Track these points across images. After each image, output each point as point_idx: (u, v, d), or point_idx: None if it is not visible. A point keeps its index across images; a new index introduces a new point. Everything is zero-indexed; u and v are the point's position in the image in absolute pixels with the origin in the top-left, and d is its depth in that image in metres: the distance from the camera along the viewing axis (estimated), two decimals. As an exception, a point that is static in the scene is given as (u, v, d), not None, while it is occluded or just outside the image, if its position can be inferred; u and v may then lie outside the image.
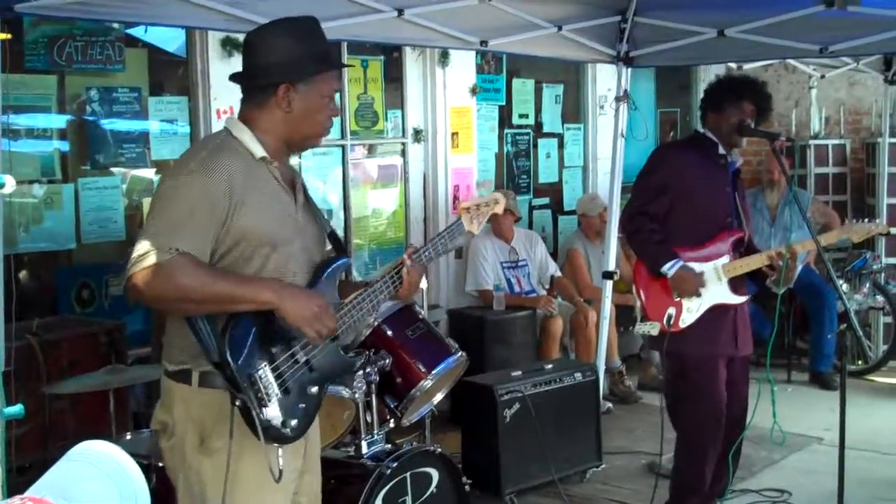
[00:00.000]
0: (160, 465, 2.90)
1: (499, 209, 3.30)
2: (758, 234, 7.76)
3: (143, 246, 2.60)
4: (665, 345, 4.52)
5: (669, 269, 4.50)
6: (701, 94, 4.86)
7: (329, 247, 3.04)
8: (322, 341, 2.75)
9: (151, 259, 2.57)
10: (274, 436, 2.69)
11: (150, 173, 5.85)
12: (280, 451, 2.72)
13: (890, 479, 5.61)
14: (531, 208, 8.38)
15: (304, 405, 2.78)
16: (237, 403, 2.64)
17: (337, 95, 2.96)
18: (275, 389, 2.69)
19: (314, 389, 2.82)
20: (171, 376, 2.80)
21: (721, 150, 4.62)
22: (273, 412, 2.68)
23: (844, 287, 7.71)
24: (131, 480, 1.74)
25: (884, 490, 5.44)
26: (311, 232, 2.94)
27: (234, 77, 2.92)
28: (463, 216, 3.19)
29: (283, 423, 2.71)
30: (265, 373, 2.68)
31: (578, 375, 5.65)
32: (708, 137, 4.64)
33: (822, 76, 8.64)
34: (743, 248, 4.66)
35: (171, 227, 2.61)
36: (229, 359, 2.62)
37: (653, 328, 4.54)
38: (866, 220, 4.79)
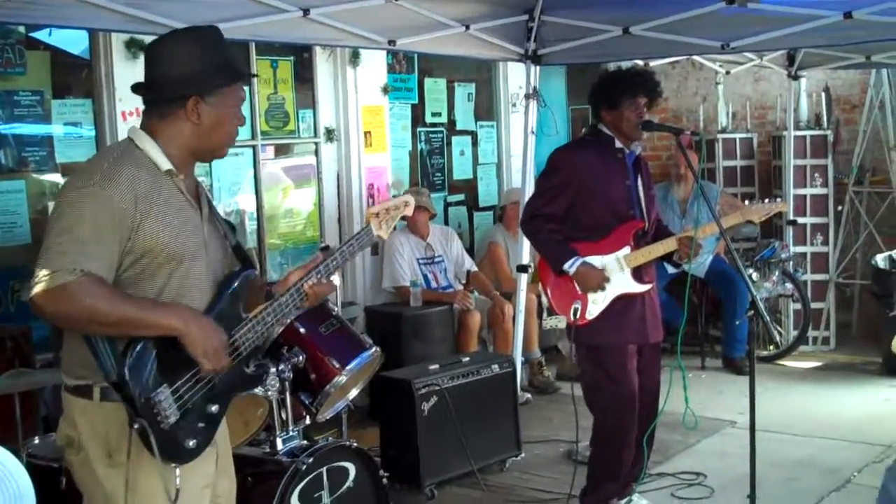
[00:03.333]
0: (77, 481, 2.85)
1: (408, 211, 3.29)
2: (669, 228, 7.91)
3: (47, 263, 2.53)
4: (574, 336, 4.60)
5: (570, 266, 4.58)
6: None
7: (233, 259, 3.00)
8: (210, 375, 2.73)
9: (55, 280, 2.50)
10: (171, 457, 2.66)
11: (55, 177, 5.75)
12: (178, 471, 2.69)
13: (801, 460, 5.75)
14: (446, 205, 8.43)
15: (203, 424, 2.76)
16: (135, 426, 2.60)
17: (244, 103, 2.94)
18: (174, 411, 2.66)
19: (214, 408, 2.79)
20: (71, 392, 2.74)
21: (618, 145, 4.69)
22: (171, 434, 2.65)
23: (754, 276, 7.89)
24: (13, 477, 1.71)
25: (795, 470, 5.58)
26: (215, 245, 2.90)
27: (138, 88, 2.85)
28: (372, 221, 3.17)
29: (182, 444, 2.69)
30: (165, 395, 2.64)
31: (496, 367, 5.69)
32: (604, 133, 4.71)
33: (728, 72, 8.83)
34: (648, 238, 4.74)
35: (76, 245, 2.54)
36: (128, 381, 2.57)
37: (559, 321, 4.62)
38: (766, 200, 4.91)
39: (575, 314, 4.59)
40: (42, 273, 2.53)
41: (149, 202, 2.65)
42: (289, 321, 4.39)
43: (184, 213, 2.76)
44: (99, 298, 2.53)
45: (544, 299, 4.74)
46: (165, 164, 2.73)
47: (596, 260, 4.60)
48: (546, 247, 4.70)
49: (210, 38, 2.84)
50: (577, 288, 4.60)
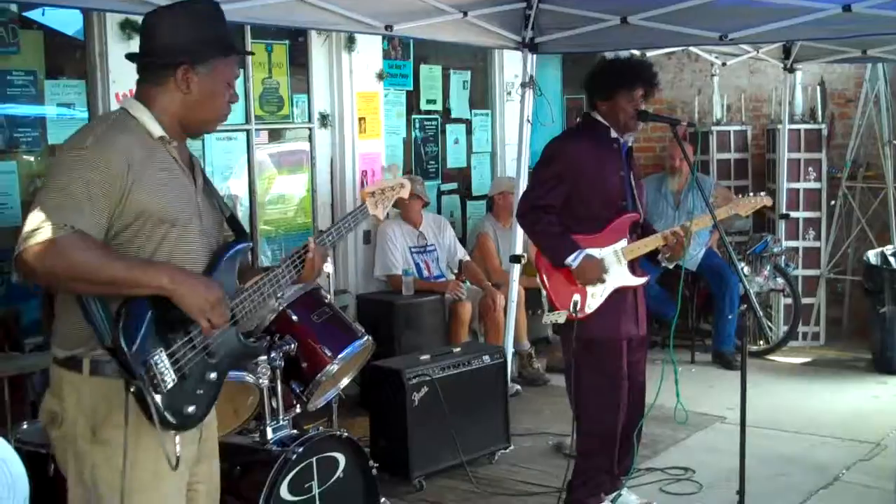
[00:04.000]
0: (55, 456, 2.82)
1: (404, 193, 3.29)
2: (663, 219, 7.91)
3: (36, 219, 2.52)
4: (576, 331, 4.52)
5: (573, 260, 4.51)
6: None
7: (229, 231, 2.99)
8: (212, 333, 2.70)
9: (45, 234, 2.49)
10: (170, 423, 2.63)
11: (47, 158, 5.70)
12: (178, 438, 2.67)
13: (790, 456, 5.76)
14: (440, 193, 8.40)
15: (202, 391, 2.73)
16: (132, 389, 2.57)
17: (238, 82, 2.92)
18: (171, 375, 2.63)
19: (213, 375, 2.77)
20: (60, 364, 2.72)
21: (613, 134, 4.67)
22: (169, 398, 2.62)
23: (746, 270, 7.89)
24: (6, 464, 1.70)
25: (784, 466, 5.58)
26: (210, 215, 2.89)
27: (131, 56, 2.85)
28: (367, 200, 3.17)
29: (181, 410, 2.66)
30: (161, 358, 2.62)
31: (486, 358, 5.68)
32: (599, 122, 4.67)
33: (724, 64, 8.79)
34: (639, 230, 4.73)
35: (67, 202, 2.53)
36: (123, 344, 2.55)
37: (559, 317, 4.57)
38: (751, 194, 4.90)
39: (575, 307, 4.54)
40: (31, 228, 2.51)
41: (141, 167, 2.64)
42: (282, 305, 4.37)
43: (176, 179, 2.76)
44: (88, 254, 2.52)
45: (543, 293, 4.67)
46: (158, 131, 2.73)
47: (595, 252, 4.57)
48: (546, 239, 4.63)
49: (207, 12, 2.84)
50: (577, 281, 4.57)
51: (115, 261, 2.57)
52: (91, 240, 2.55)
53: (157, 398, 2.59)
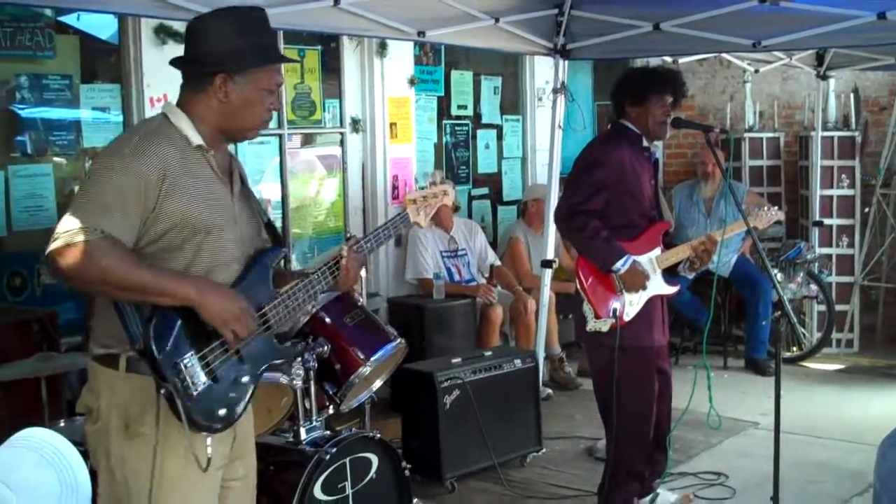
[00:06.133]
0: (88, 451, 2.85)
1: (447, 201, 3.28)
2: (694, 226, 7.89)
3: (68, 222, 2.55)
4: (616, 339, 4.49)
5: (623, 265, 4.49)
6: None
7: (265, 236, 3.01)
8: (236, 344, 2.70)
9: (76, 237, 2.51)
10: (200, 425, 2.64)
11: (81, 162, 5.77)
12: (209, 439, 2.68)
13: (823, 462, 5.71)
14: (470, 198, 8.41)
15: (234, 394, 2.74)
16: (162, 392, 2.59)
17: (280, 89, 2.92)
18: (201, 378, 2.64)
19: (245, 379, 2.77)
20: (97, 360, 2.74)
21: (644, 143, 4.66)
22: (200, 401, 2.63)
23: (779, 276, 7.83)
24: (72, 468, 1.71)
25: (817, 472, 5.54)
26: (246, 221, 2.90)
27: (175, 62, 2.87)
28: (409, 207, 3.15)
29: (211, 413, 2.67)
30: (191, 361, 2.63)
31: (518, 362, 5.68)
32: (631, 129, 4.66)
33: (756, 71, 8.76)
34: (667, 240, 4.74)
35: (99, 207, 2.56)
36: (153, 347, 2.56)
37: (604, 325, 4.55)
38: (765, 208, 4.92)
39: (614, 315, 4.52)
40: (61, 230, 2.54)
41: (177, 176, 2.66)
42: (316, 307, 4.39)
43: (212, 188, 2.77)
44: (116, 260, 2.54)
45: (585, 303, 4.62)
46: (196, 140, 2.75)
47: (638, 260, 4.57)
48: (593, 245, 4.56)
49: (249, 19, 2.83)
50: (621, 288, 4.53)
51: (142, 268, 2.59)
52: (120, 245, 2.57)
53: (187, 401, 2.60)
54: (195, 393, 2.62)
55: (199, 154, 2.75)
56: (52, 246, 2.54)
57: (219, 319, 2.64)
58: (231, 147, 3.02)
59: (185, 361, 2.62)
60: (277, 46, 2.94)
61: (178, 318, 2.63)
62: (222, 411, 2.69)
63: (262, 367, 2.85)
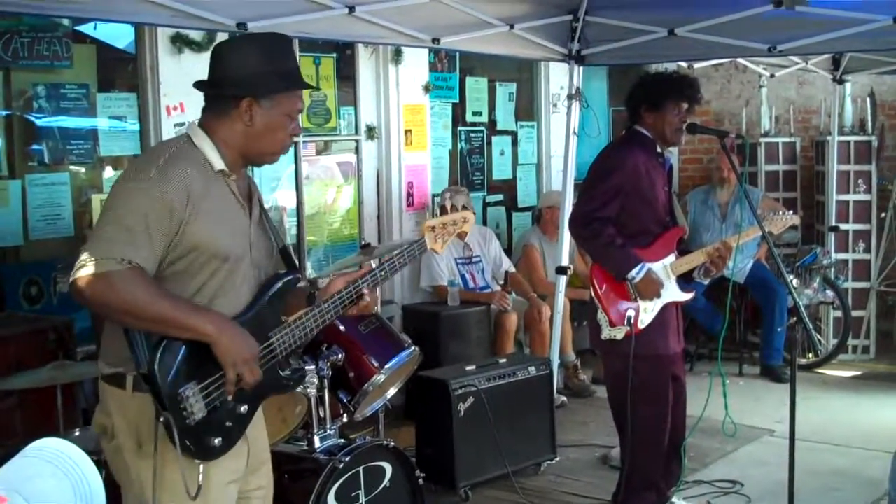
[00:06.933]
0: (111, 468, 2.87)
1: (467, 228, 3.26)
2: (710, 231, 7.87)
3: (94, 249, 2.56)
4: (632, 347, 4.48)
5: (638, 273, 4.48)
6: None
7: (277, 257, 3.01)
8: (233, 388, 2.71)
9: (102, 266, 2.53)
10: (194, 452, 2.66)
11: (98, 170, 5.81)
12: (201, 467, 2.69)
13: (839, 470, 5.69)
14: (485, 205, 8.41)
15: (230, 423, 2.75)
16: (161, 419, 2.61)
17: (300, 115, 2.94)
18: (201, 408, 2.66)
19: (244, 409, 2.79)
20: (106, 380, 2.77)
21: (659, 149, 4.65)
22: (196, 430, 2.65)
23: (795, 282, 7.80)
24: (86, 479, 1.72)
25: (833, 480, 5.51)
26: (262, 247, 2.92)
27: (199, 85, 2.88)
28: (427, 234, 3.12)
29: (206, 442, 2.68)
30: (192, 392, 2.64)
31: (532, 369, 5.67)
32: (646, 136, 4.65)
33: (772, 75, 8.73)
34: (682, 246, 4.73)
35: (124, 235, 2.57)
36: (157, 374, 2.58)
37: (619, 332, 4.54)
38: (780, 212, 4.91)
39: (628, 322, 4.51)
40: (87, 258, 2.55)
41: (199, 201, 2.66)
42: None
43: (232, 214, 2.78)
44: (140, 292, 2.55)
45: (600, 311, 4.61)
46: (219, 164, 2.76)
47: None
48: (608, 253, 4.55)
49: (275, 45, 2.86)
50: (636, 296, 4.52)
51: (163, 301, 2.60)
52: (145, 277, 2.58)
53: (184, 430, 2.62)
54: (192, 423, 2.64)
55: (221, 179, 2.76)
56: (78, 274, 2.55)
57: (230, 360, 2.66)
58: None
59: (187, 392, 2.64)
60: (300, 73, 2.96)
61: (185, 347, 2.65)
62: (217, 440, 2.71)
63: (261, 398, 2.87)
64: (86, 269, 2.54)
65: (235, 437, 2.78)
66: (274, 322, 2.86)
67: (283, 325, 2.87)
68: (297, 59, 2.96)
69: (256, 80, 2.77)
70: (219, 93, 2.81)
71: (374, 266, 3.02)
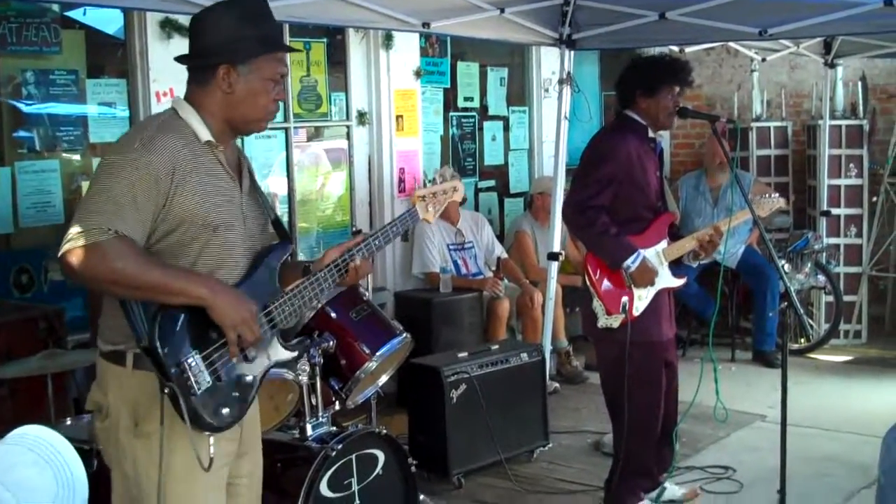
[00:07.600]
0: (101, 449, 2.86)
1: (457, 197, 3.26)
2: (701, 216, 7.87)
3: (81, 222, 2.55)
4: (628, 334, 4.48)
5: (633, 262, 4.47)
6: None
7: (272, 231, 3.00)
8: (237, 350, 2.70)
9: (89, 237, 2.52)
10: (203, 424, 2.65)
11: (88, 157, 5.77)
12: (212, 439, 2.68)
13: (831, 455, 5.70)
14: (477, 191, 8.39)
15: (237, 394, 2.74)
16: (166, 391, 2.60)
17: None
18: (205, 377, 2.64)
19: (249, 378, 2.78)
20: (105, 357, 2.76)
21: (650, 134, 4.64)
22: (203, 400, 2.63)
23: (786, 267, 7.81)
24: (68, 466, 1.71)
25: (825, 465, 5.53)
26: (253, 218, 2.90)
27: (180, 58, 2.87)
28: (418, 203, 3.13)
29: (214, 412, 2.67)
30: (195, 360, 2.63)
31: (525, 356, 5.67)
32: (637, 121, 4.64)
33: (764, 59, 8.72)
34: (673, 231, 4.72)
35: (111, 206, 2.56)
36: (157, 345, 2.57)
37: (616, 321, 4.53)
38: (767, 195, 4.91)
39: (623, 310, 4.51)
40: (74, 230, 2.54)
41: (186, 172, 2.66)
42: (321, 303, 4.38)
43: (221, 185, 2.77)
44: (128, 260, 2.54)
45: (595, 299, 4.59)
46: (205, 135, 2.75)
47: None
48: (603, 241, 4.54)
49: (251, 9, 2.83)
50: (630, 283, 4.51)
51: (153, 268, 2.59)
52: (134, 245, 2.57)
53: (190, 400, 2.60)
54: (198, 392, 2.62)
55: (208, 150, 2.75)
56: (66, 247, 2.54)
57: (228, 321, 2.65)
58: (237, 140, 3.01)
59: (190, 360, 2.62)
60: (280, 35, 2.94)
61: (183, 316, 2.63)
62: (225, 410, 2.70)
63: (266, 366, 2.85)
64: (74, 241, 2.53)
65: (244, 408, 2.77)
66: (271, 291, 2.85)
67: (280, 293, 2.86)
68: (276, 21, 2.91)
69: (232, 46, 2.75)
70: (196, 63, 2.80)
71: (367, 234, 3.02)
